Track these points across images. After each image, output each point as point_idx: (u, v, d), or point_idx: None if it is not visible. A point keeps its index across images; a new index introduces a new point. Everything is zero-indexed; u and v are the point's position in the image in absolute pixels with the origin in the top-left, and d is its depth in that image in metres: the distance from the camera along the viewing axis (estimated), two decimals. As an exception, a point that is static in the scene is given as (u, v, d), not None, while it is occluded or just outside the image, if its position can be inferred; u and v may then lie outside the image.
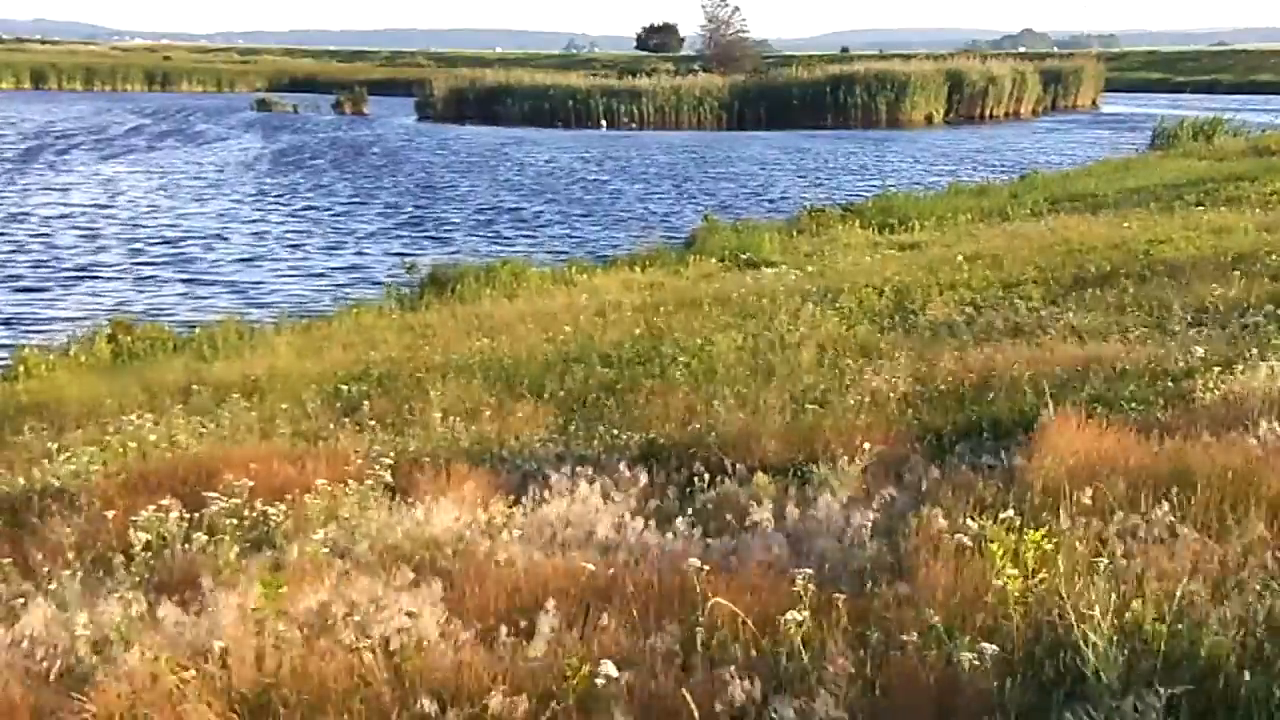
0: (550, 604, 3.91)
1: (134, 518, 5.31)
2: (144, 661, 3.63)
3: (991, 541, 4.05)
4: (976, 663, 3.41)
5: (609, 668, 3.43)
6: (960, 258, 14.60)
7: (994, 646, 3.46)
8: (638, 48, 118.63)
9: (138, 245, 23.60)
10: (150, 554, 5.10)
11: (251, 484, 5.66)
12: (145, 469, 6.73)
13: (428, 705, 3.42)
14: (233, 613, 4.01)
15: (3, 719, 3.59)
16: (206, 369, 11.28)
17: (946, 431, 7.07)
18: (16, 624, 4.25)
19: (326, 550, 4.95)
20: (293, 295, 19.03)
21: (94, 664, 3.85)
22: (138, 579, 4.86)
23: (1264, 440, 5.54)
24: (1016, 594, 3.78)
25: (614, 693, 3.39)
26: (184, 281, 20.20)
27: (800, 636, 3.66)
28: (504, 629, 3.86)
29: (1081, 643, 3.39)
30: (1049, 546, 4.00)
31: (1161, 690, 3.15)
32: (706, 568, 4.15)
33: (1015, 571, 3.83)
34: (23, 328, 16.35)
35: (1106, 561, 3.99)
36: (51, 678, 3.87)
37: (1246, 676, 3.27)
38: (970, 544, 4.27)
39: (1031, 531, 4.02)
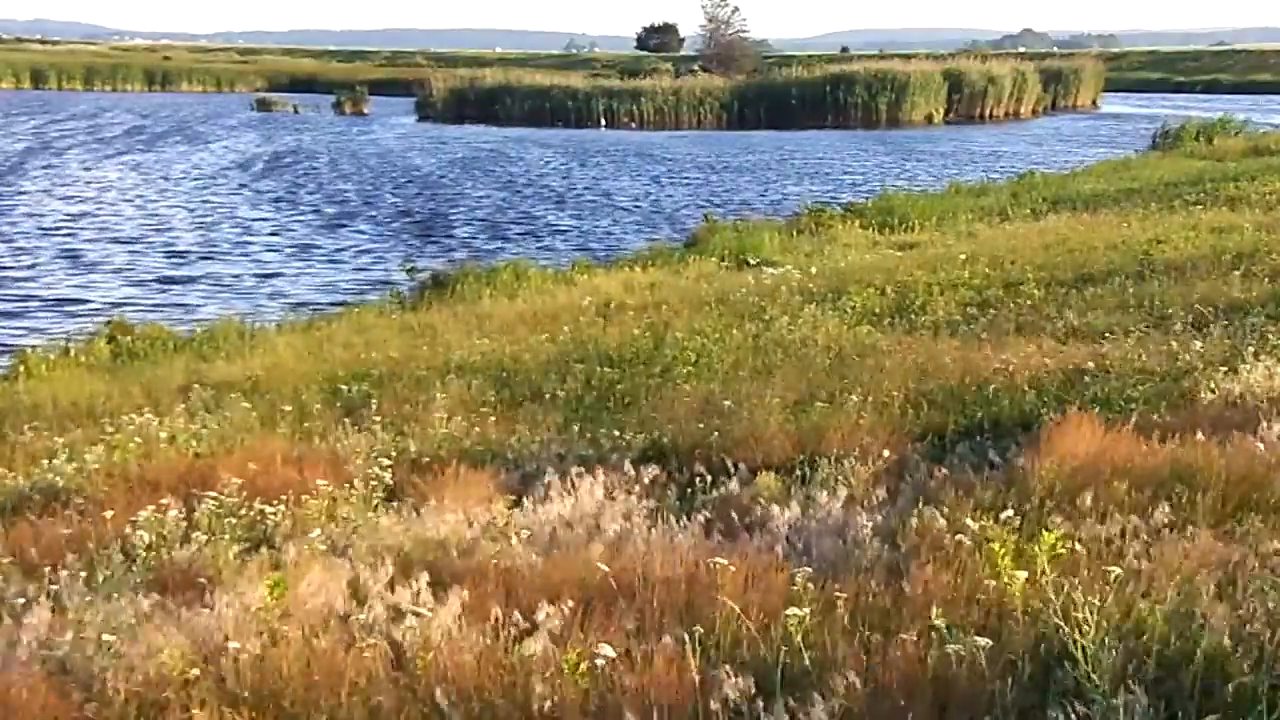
0: (553, 603, 3.91)
1: (134, 517, 5.31)
2: (147, 661, 3.63)
3: (992, 542, 4.05)
4: (975, 661, 3.41)
5: (605, 649, 3.44)
6: (961, 257, 14.59)
7: (993, 644, 3.46)
8: (638, 48, 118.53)
9: (135, 247, 23.57)
10: (150, 553, 5.10)
11: (250, 484, 5.65)
12: (145, 469, 6.73)
13: (431, 705, 3.41)
14: (234, 612, 4.01)
15: (8, 719, 3.58)
16: (207, 369, 11.27)
17: (948, 431, 7.07)
18: (18, 624, 4.24)
19: (324, 549, 4.95)
20: (292, 295, 19.03)
21: (96, 663, 3.84)
22: (138, 578, 4.86)
23: (1266, 441, 5.54)
24: (1017, 594, 3.78)
25: (616, 689, 3.39)
26: (181, 283, 20.19)
27: (802, 635, 3.66)
28: (507, 629, 3.86)
29: (1072, 643, 3.39)
30: (1050, 549, 4.00)
31: (1150, 689, 3.15)
32: (709, 567, 4.15)
33: (1019, 572, 3.83)
34: (20, 328, 16.34)
35: (1108, 561, 3.99)
36: (55, 677, 3.86)
37: (1246, 676, 3.27)
38: (971, 544, 4.27)
39: (1046, 534, 4.00)
